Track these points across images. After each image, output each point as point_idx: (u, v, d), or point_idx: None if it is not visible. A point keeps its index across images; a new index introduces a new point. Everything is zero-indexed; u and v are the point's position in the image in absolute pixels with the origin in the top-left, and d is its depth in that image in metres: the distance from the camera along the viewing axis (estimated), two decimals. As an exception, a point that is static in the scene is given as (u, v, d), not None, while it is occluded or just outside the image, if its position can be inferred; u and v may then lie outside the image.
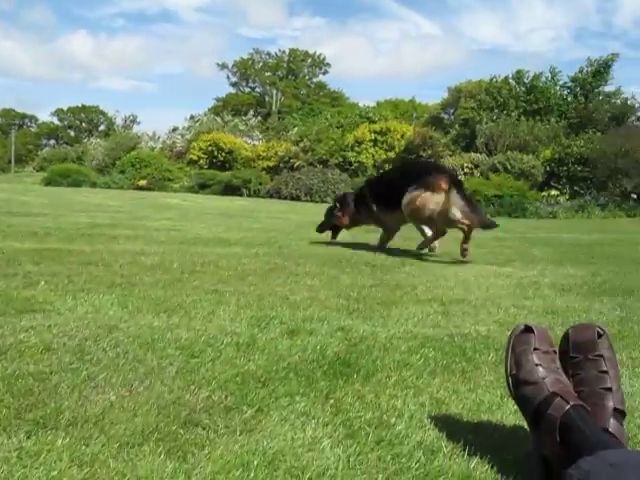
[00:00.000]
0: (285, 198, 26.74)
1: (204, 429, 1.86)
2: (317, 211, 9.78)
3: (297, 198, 26.63)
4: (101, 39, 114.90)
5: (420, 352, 2.79)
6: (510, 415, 2.13)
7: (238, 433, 1.85)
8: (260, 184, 29.07)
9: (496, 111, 32.78)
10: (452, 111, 44.72)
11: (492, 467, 1.73)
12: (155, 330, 2.87)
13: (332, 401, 2.14)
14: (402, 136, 32.42)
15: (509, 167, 26.08)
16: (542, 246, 8.55)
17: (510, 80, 35.15)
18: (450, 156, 29.93)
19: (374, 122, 35.17)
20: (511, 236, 10.19)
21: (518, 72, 35.23)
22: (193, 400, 2.06)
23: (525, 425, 2.04)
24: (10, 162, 59.28)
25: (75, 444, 1.72)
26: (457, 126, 36.26)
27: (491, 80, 35.80)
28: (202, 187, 29.99)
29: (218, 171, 31.84)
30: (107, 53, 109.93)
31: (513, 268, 5.97)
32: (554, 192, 25.37)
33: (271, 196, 27.62)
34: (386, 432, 1.92)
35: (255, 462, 1.67)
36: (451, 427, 2.00)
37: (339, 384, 2.31)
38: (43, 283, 3.87)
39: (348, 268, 5.33)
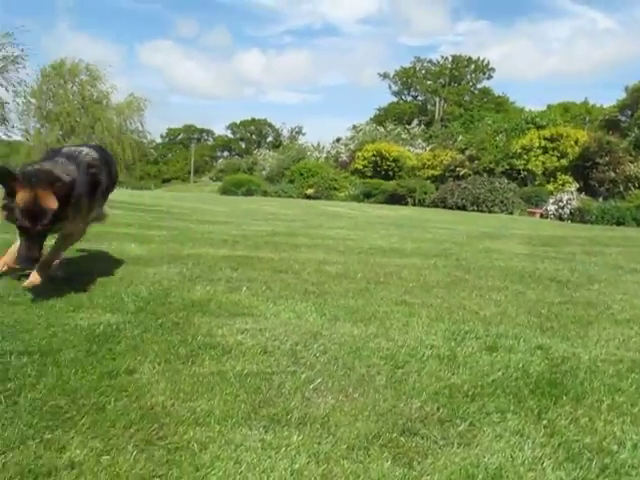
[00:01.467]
0: (450, 207, 26.39)
1: (422, 439, 1.94)
2: (486, 222, 9.57)
3: (463, 207, 26.17)
4: (270, 56, 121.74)
5: (630, 377, 2.66)
6: None
7: (456, 446, 1.91)
8: (425, 193, 28.98)
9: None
10: (630, 113, 41.37)
11: None
12: (357, 339, 3.03)
13: (545, 422, 2.13)
14: (576, 142, 30.53)
15: None
16: None
17: None
18: (631, 162, 27.67)
19: (542, 127, 33.52)
20: None
21: None
22: (407, 410, 2.16)
23: None
24: (190, 173, 64.95)
25: (308, 442, 1.88)
26: (637, 129, 33.45)
27: (681, 78, 32.51)
28: (367, 196, 30.55)
29: (382, 180, 32.24)
30: (276, 68, 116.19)
31: None
32: None
33: (436, 205, 27.39)
34: (609, 460, 1.87)
35: (480, 476, 1.72)
36: (679, 460, 1.90)
37: (549, 404, 2.28)
38: (245, 289, 4.21)
39: (532, 283, 5.17)
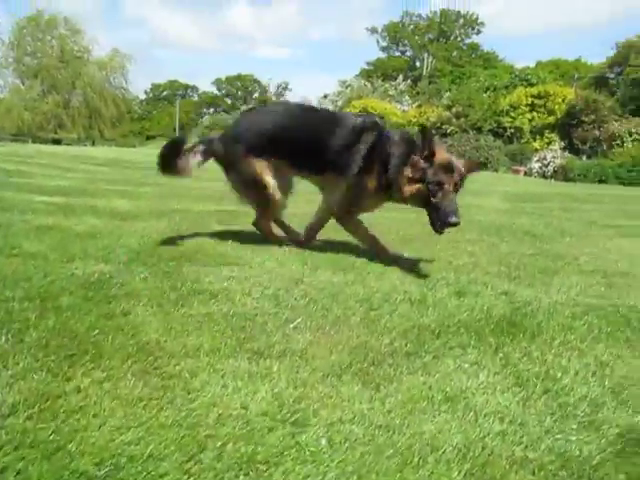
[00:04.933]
0: (435, 165, 26.49)
1: (390, 367, 2.18)
2: (469, 180, 9.71)
3: (447, 165, 26.29)
4: (260, 8, 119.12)
5: (584, 319, 2.91)
6: (676, 380, 2.23)
7: (420, 374, 2.15)
8: (410, 150, 29.01)
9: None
10: (619, 70, 41.35)
11: (657, 422, 1.89)
12: (335, 285, 3.25)
13: (501, 355, 2.37)
14: (563, 100, 30.61)
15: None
16: None
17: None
18: (616, 121, 27.85)
19: (532, 85, 33.51)
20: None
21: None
22: (377, 345, 2.39)
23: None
24: (175, 130, 64.26)
25: (287, 370, 2.11)
26: (624, 86, 33.54)
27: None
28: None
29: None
30: (265, 23, 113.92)
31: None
32: None
33: (421, 163, 27.46)
34: (552, 384, 2.12)
35: (438, 397, 1.96)
36: (615, 386, 2.15)
37: (506, 341, 2.53)
38: (231, 241, 4.40)
39: (507, 237, 5.42)
